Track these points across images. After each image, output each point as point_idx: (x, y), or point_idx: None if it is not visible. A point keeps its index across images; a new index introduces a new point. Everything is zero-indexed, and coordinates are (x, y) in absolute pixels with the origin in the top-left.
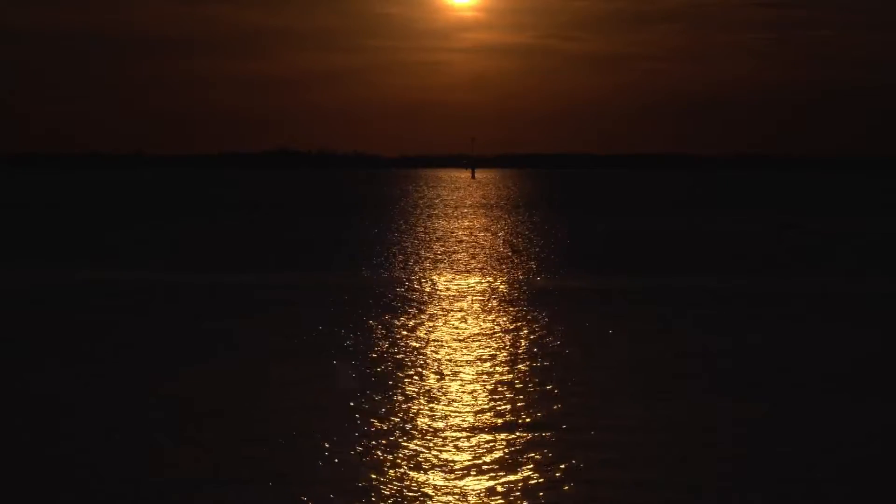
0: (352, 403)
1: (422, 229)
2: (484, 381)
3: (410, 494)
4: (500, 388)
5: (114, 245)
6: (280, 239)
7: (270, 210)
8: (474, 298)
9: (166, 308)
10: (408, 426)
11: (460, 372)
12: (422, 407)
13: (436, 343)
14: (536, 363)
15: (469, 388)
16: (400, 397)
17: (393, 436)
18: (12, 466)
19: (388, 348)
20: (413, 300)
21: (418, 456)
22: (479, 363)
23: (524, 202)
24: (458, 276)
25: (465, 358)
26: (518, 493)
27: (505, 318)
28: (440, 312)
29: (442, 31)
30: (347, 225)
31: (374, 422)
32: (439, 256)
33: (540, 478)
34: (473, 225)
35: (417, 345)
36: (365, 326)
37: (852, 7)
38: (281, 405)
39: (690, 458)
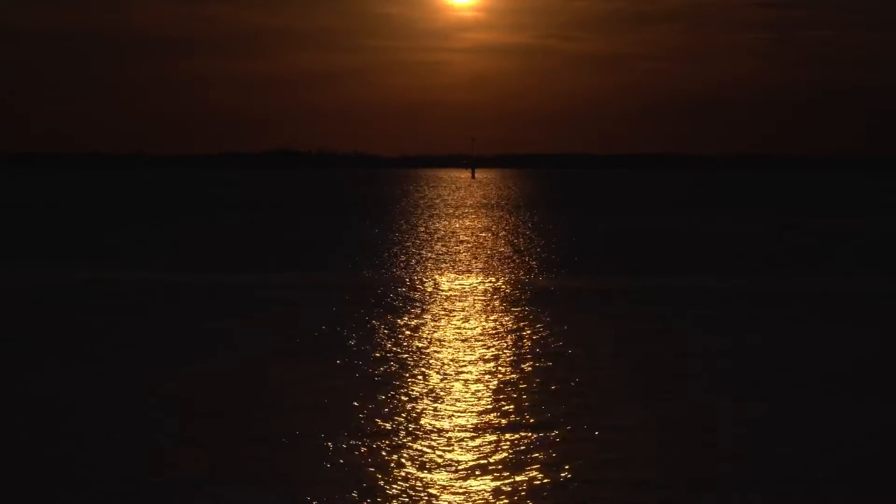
0: (352, 403)
1: (423, 229)
2: (483, 381)
3: (410, 494)
4: (499, 388)
5: (114, 245)
6: (280, 239)
7: (270, 210)
8: (474, 298)
9: (166, 308)
10: (407, 426)
11: (460, 372)
12: (422, 407)
13: (436, 343)
14: (536, 363)
15: (468, 387)
16: (400, 397)
17: (393, 436)
18: (12, 466)
19: (388, 348)
20: (413, 300)
21: (418, 456)
22: (478, 363)
23: (524, 202)
24: (458, 276)
25: (465, 358)
26: (517, 493)
27: (505, 319)
28: (440, 312)
29: (442, 31)
30: (347, 225)
31: (374, 422)
32: (440, 256)
33: (539, 477)
34: (475, 225)
35: (417, 345)
36: (365, 326)
37: (852, 7)
38: (281, 405)
39: (690, 458)
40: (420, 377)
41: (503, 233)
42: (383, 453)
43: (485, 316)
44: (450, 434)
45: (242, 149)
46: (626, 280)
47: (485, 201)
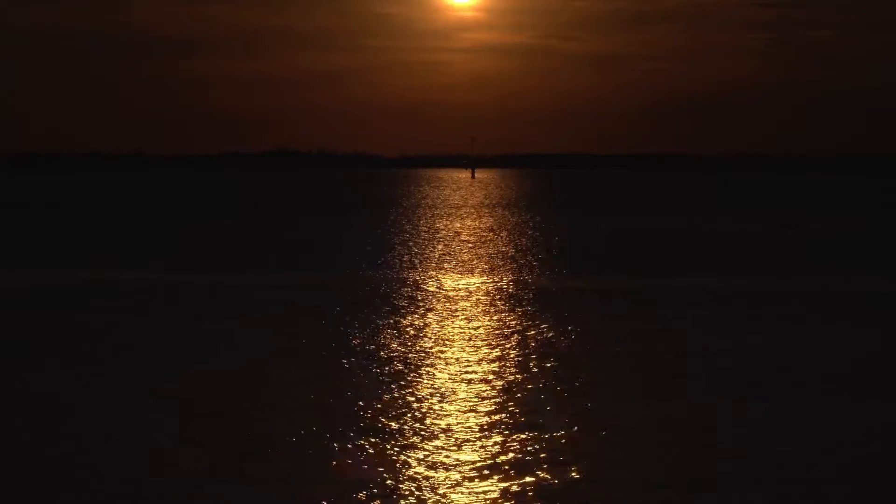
0: (353, 403)
1: (425, 229)
2: (482, 381)
3: (411, 494)
4: (498, 388)
5: (114, 245)
6: (280, 239)
7: (270, 210)
8: (474, 298)
9: (166, 308)
10: (408, 426)
11: (459, 372)
12: (421, 406)
13: (436, 342)
14: (535, 363)
15: (468, 387)
16: (400, 397)
17: (393, 435)
18: (12, 466)
19: (388, 348)
20: (413, 300)
21: (418, 456)
22: (477, 363)
23: (525, 202)
24: (458, 276)
25: (464, 358)
26: (517, 493)
27: (504, 319)
28: (441, 312)
29: (442, 31)
30: (347, 225)
31: (374, 422)
32: (440, 256)
33: (539, 477)
34: (476, 225)
35: (418, 344)
36: (365, 326)
37: (852, 7)
38: (281, 405)
39: (690, 458)
40: (419, 377)
41: (504, 232)
42: (384, 453)
43: (483, 316)
44: (448, 434)
45: (242, 149)
46: (626, 280)
47: (487, 201)
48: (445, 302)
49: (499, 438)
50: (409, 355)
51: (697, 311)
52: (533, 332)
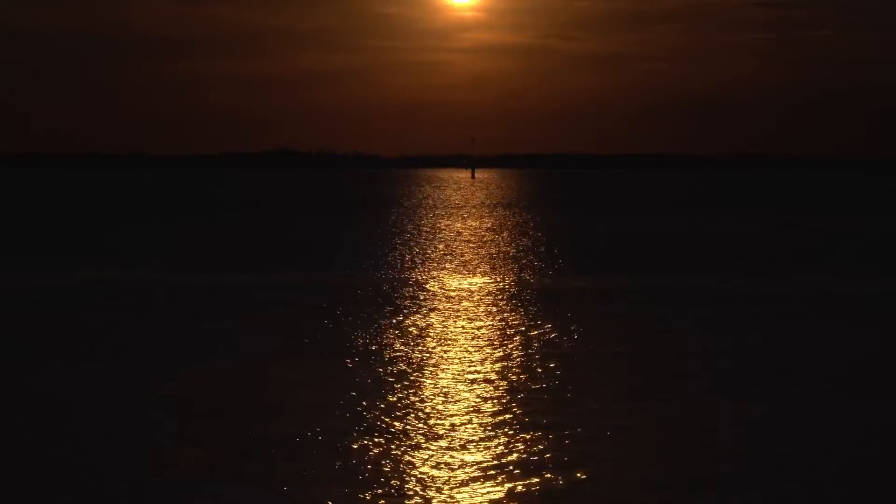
0: (353, 403)
1: (427, 229)
2: (482, 381)
3: (411, 494)
4: (498, 388)
5: (114, 245)
6: (280, 239)
7: (270, 210)
8: (473, 298)
9: (166, 308)
10: (408, 426)
11: (460, 371)
12: (421, 407)
13: (436, 342)
14: (536, 363)
15: (468, 387)
16: (400, 397)
17: (393, 436)
18: (12, 466)
19: (388, 348)
20: (414, 300)
21: (418, 456)
22: (479, 363)
23: (525, 202)
24: (457, 276)
25: (464, 357)
26: (517, 493)
27: (504, 319)
28: (441, 312)
29: (442, 31)
30: (347, 225)
31: (375, 422)
32: (440, 256)
33: (539, 477)
34: (477, 225)
35: (418, 344)
36: (366, 326)
37: (852, 7)
38: (281, 405)
39: (690, 458)
40: (420, 377)
41: (505, 233)
42: (384, 453)
43: (483, 316)
44: (447, 434)
45: (242, 149)
46: (626, 280)
47: (488, 201)
48: (447, 302)
49: (498, 439)
50: (410, 355)
51: (697, 311)
52: (533, 332)
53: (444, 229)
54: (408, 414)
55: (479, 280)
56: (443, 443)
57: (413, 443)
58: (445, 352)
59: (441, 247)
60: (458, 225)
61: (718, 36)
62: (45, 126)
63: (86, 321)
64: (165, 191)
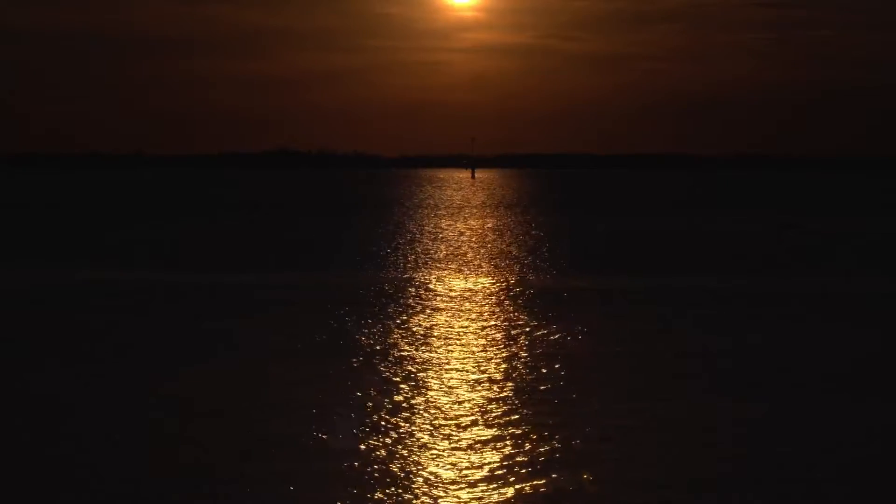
0: (353, 403)
1: (429, 229)
2: (481, 381)
3: (411, 494)
4: (497, 388)
5: (114, 245)
6: (280, 239)
7: (270, 210)
8: (473, 298)
9: (166, 308)
10: (407, 425)
11: (460, 371)
12: (422, 406)
13: (437, 342)
14: (535, 363)
15: (467, 387)
16: (400, 397)
17: (393, 436)
18: (12, 466)
19: (388, 348)
20: (414, 299)
21: (418, 455)
22: (476, 363)
23: (526, 202)
24: (457, 276)
25: (465, 357)
26: (517, 493)
27: (504, 319)
28: (441, 312)
29: (442, 31)
30: (347, 225)
31: (375, 422)
32: (440, 256)
33: (538, 477)
34: (478, 225)
35: (418, 344)
36: (366, 326)
37: (852, 7)
38: (281, 405)
39: (690, 458)
40: (420, 376)
41: (506, 232)
42: (384, 453)
43: (482, 316)
44: (446, 434)
45: (242, 149)
46: (626, 280)
47: (488, 201)
48: (447, 302)
49: (497, 439)
50: (411, 355)
51: (697, 311)
52: (533, 332)
53: (446, 229)
54: (409, 414)
55: (477, 280)
56: (442, 443)
57: (413, 443)
58: (447, 351)
59: (442, 247)
60: (461, 225)
61: (718, 36)
62: (45, 126)
63: (86, 321)
64: (165, 191)
